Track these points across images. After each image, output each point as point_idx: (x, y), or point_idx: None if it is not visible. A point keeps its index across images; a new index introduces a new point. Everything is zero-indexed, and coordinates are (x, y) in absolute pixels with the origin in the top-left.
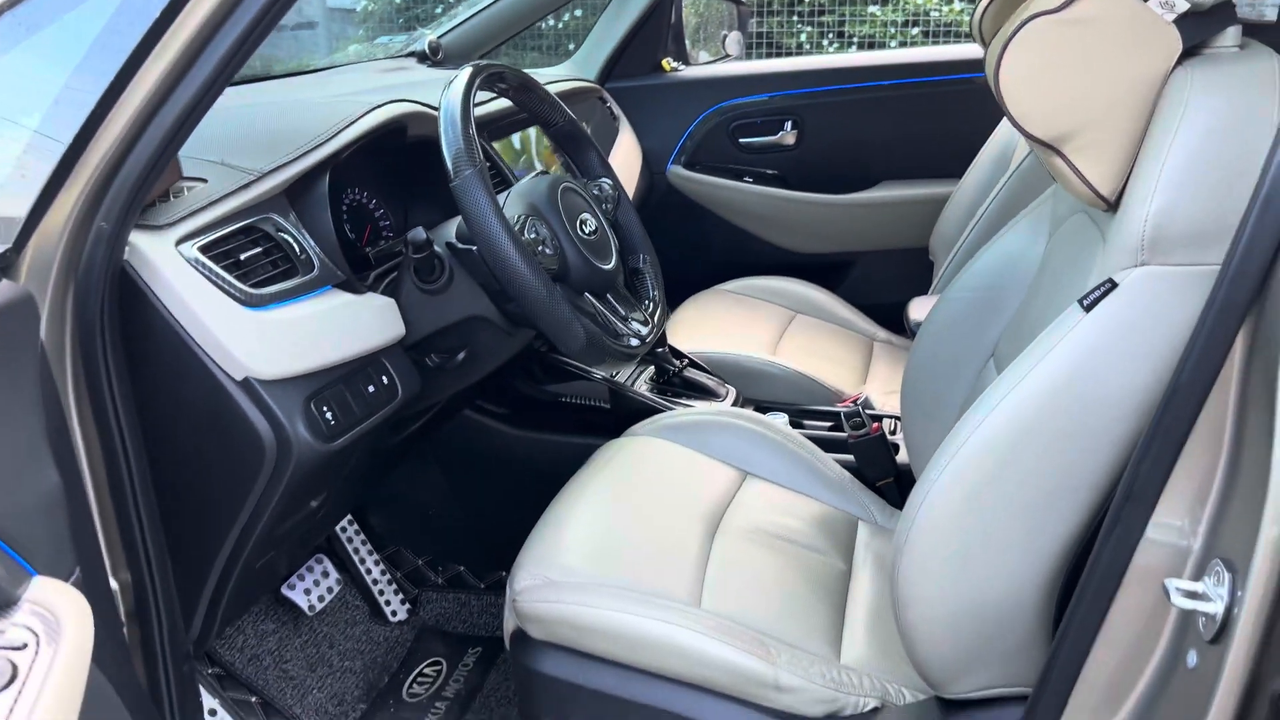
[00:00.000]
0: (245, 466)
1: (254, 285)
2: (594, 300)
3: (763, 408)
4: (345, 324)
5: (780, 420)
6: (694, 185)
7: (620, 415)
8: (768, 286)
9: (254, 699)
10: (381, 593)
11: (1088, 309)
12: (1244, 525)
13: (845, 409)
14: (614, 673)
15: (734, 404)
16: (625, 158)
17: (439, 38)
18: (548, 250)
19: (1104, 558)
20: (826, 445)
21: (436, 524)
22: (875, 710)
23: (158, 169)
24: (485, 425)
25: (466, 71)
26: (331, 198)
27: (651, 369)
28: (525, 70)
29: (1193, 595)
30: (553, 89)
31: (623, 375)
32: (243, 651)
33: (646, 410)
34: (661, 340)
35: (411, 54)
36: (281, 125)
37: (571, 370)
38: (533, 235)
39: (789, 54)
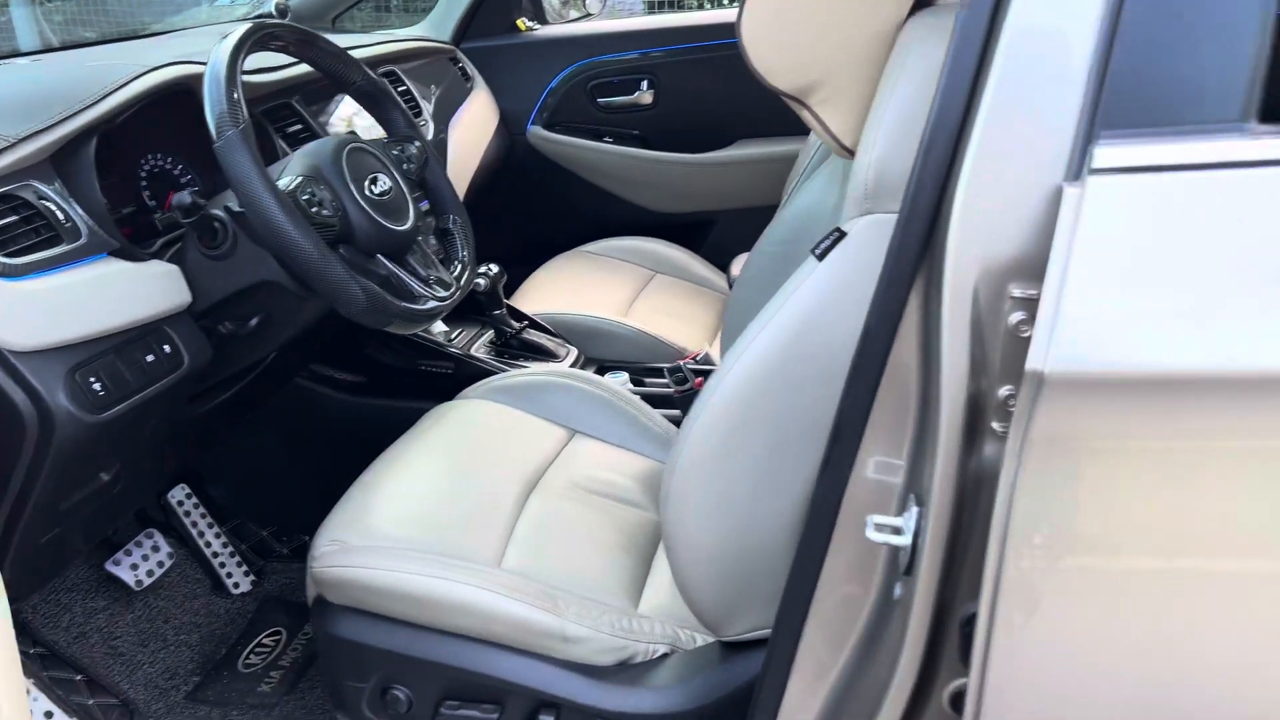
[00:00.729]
0: (5, 440)
1: (10, 255)
2: (387, 262)
3: (605, 367)
4: (117, 292)
5: (620, 379)
6: (554, 146)
7: (461, 379)
8: (629, 247)
9: (79, 677)
10: (223, 565)
11: (820, 258)
12: (931, 460)
13: (670, 366)
14: (405, 633)
15: (574, 364)
16: (476, 119)
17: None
18: (326, 212)
19: (818, 498)
20: (662, 401)
21: (279, 495)
22: (665, 656)
23: None
24: (321, 394)
25: (238, 30)
26: (129, 163)
27: (491, 332)
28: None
29: (894, 530)
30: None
31: (462, 339)
32: (68, 630)
33: (485, 373)
34: (498, 302)
35: (260, 16)
36: (48, 90)
37: (418, 340)
38: (308, 196)
39: None
